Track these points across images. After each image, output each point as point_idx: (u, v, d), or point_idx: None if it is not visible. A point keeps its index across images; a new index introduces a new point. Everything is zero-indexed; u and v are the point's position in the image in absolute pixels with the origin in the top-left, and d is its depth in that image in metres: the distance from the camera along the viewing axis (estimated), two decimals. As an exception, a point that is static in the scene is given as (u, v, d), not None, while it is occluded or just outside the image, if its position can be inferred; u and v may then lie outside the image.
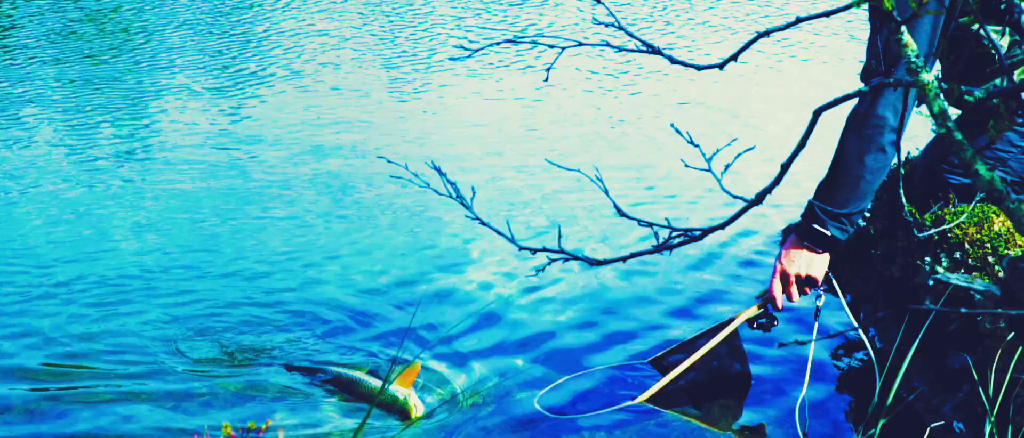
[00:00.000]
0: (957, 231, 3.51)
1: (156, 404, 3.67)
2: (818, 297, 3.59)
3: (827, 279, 3.55)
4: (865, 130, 3.36)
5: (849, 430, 3.41)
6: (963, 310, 1.77)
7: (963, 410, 3.28)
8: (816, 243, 3.45)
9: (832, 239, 3.44)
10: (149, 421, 3.57)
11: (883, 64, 3.24)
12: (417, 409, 3.58)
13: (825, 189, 3.44)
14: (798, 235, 3.48)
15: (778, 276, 3.51)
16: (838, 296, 3.62)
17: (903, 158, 4.15)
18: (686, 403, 3.62)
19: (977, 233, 3.49)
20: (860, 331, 3.62)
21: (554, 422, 3.52)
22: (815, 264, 3.48)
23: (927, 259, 3.57)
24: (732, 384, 3.69)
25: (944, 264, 3.52)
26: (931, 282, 3.47)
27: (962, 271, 3.47)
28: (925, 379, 3.56)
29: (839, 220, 3.42)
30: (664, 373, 3.69)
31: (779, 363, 3.86)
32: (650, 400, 3.59)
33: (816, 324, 3.58)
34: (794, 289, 3.51)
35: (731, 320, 3.66)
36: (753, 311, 3.63)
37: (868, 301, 4.17)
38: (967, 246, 3.48)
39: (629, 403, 3.58)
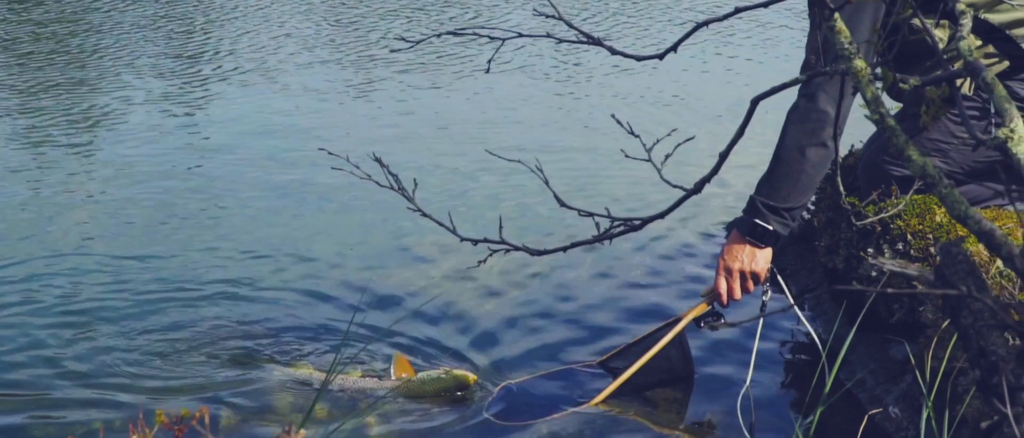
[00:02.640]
0: (900, 222, 3.54)
1: (96, 404, 3.64)
2: (764, 292, 3.60)
3: (772, 273, 3.57)
4: (806, 124, 3.39)
5: (795, 421, 3.41)
6: (889, 290, 1.78)
7: (906, 399, 3.30)
8: (758, 238, 3.47)
9: (774, 234, 3.46)
10: (84, 416, 3.55)
11: (822, 59, 3.26)
12: (469, 376, 3.60)
13: (766, 183, 3.46)
14: (740, 230, 3.50)
15: (722, 272, 3.52)
16: (783, 290, 3.63)
17: (849, 150, 4.18)
18: (635, 404, 3.60)
19: (919, 224, 3.51)
20: (805, 320, 3.63)
21: (503, 430, 3.49)
22: (758, 259, 3.49)
23: (870, 250, 3.59)
24: (680, 382, 3.68)
25: (887, 255, 3.54)
26: (874, 273, 3.49)
27: (916, 264, 3.49)
28: (868, 369, 3.58)
29: (781, 214, 3.44)
30: (612, 374, 3.68)
31: (726, 358, 3.86)
32: (600, 403, 3.57)
33: (761, 319, 3.58)
34: (738, 285, 3.52)
35: (679, 319, 3.65)
36: (700, 309, 3.63)
37: (810, 292, 4.21)
38: (909, 237, 3.51)
39: (579, 407, 3.56)
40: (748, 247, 3.48)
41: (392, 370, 3.69)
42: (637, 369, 3.60)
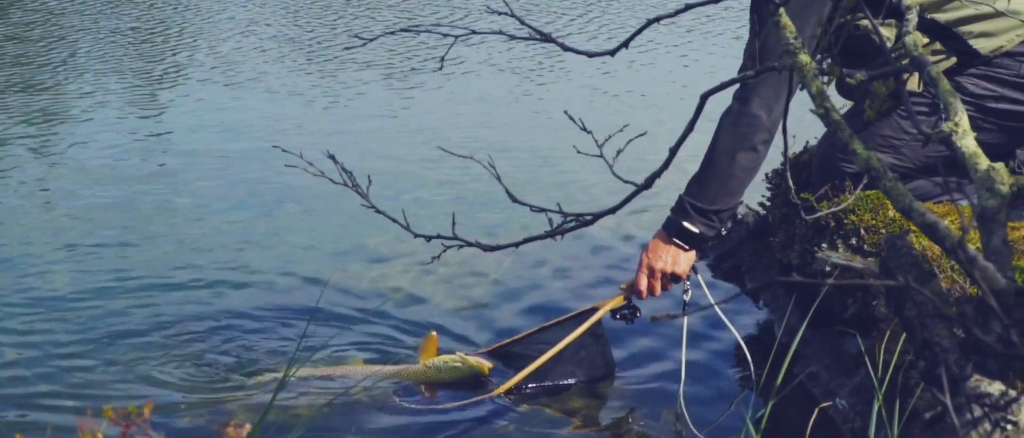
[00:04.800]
0: (853, 218, 3.56)
1: (49, 405, 3.62)
2: (685, 290, 3.63)
3: (693, 272, 3.60)
4: (738, 128, 3.43)
5: (733, 418, 3.42)
6: (830, 281, 1.80)
7: (860, 392, 3.32)
8: (684, 240, 3.50)
9: (700, 236, 3.50)
10: (38, 417, 3.53)
11: (758, 64, 3.29)
12: (484, 365, 3.60)
13: (696, 184, 3.50)
14: (667, 231, 3.53)
15: (644, 269, 3.55)
16: (703, 289, 3.65)
17: (803, 147, 4.20)
18: (549, 394, 3.61)
19: (872, 219, 3.53)
20: (722, 314, 3.64)
21: (407, 416, 3.49)
22: (681, 261, 3.53)
23: (824, 245, 3.62)
24: (598, 375, 3.69)
25: (840, 250, 3.57)
26: (828, 268, 3.51)
27: (862, 257, 3.52)
28: (823, 363, 3.61)
29: (708, 217, 3.48)
30: (512, 362, 3.67)
31: (649, 355, 3.88)
32: (507, 393, 3.57)
33: (685, 319, 3.60)
34: (658, 284, 3.55)
35: (594, 310, 3.66)
36: (617, 301, 3.65)
37: (767, 288, 4.23)
38: (863, 232, 3.53)
39: (485, 395, 3.56)
40: (673, 248, 3.52)
41: (421, 349, 3.68)
42: (548, 358, 3.60)
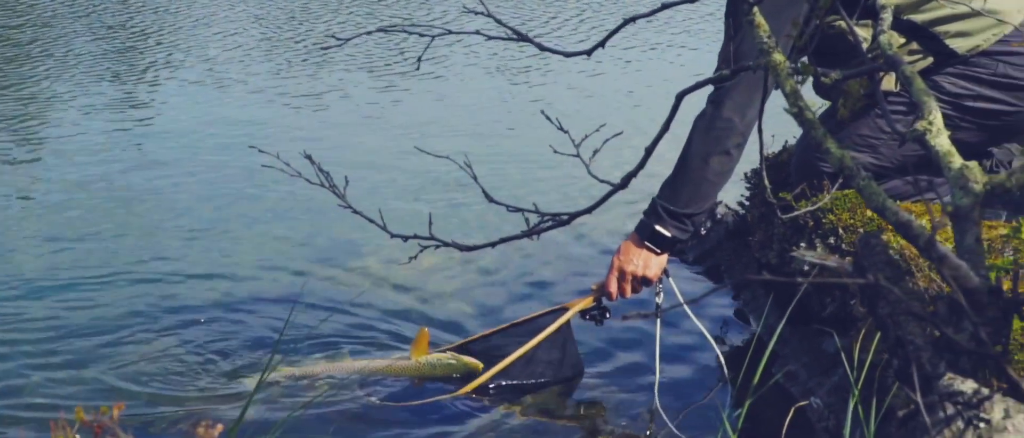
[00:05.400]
0: (831, 217, 3.57)
1: (23, 404, 3.61)
2: (657, 293, 3.63)
3: (665, 274, 3.60)
4: (711, 133, 3.43)
5: (710, 417, 3.41)
6: (800, 280, 1.80)
7: (838, 391, 3.33)
8: (656, 244, 3.51)
9: (672, 240, 3.50)
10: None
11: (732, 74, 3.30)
12: (477, 363, 3.59)
13: (668, 188, 3.50)
14: (640, 234, 3.53)
15: (615, 272, 3.55)
16: (675, 292, 3.65)
17: (782, 146, 4.21)
18: (519, 394, 3.61)
19: (850, 218, 3.54)
20: (694, 317, 3.65)
21: (377, 414, 3.48)
22: (652, 265, 3.53)
23: (802, 245, 3.62)
24: (566, 375, 3.68)
25: (818, 249, 3.57)
26: (806, 267, 3.52)
27: (836, 256, 3.52)
28: (801, 362, 3.61)
29: (680, 220, 3.48)
30: (479, 359, 3.66)
31: (627, 356, 3.88)
32: (474, 392, 3.57)
33: (658, 321, 3.60)
34: (628, 287, 3.55)
35: (564, 309, 3.66)
36: (587, 302, 3.65)
37: (747, 287, 4.24)
38: (841, 231, 3.54)
39: (453, 394, 3.55)
40: (644, 252, 3.52)
41: (413, 344, 3.67)
42: (518, 357, 3.60)
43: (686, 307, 3.59)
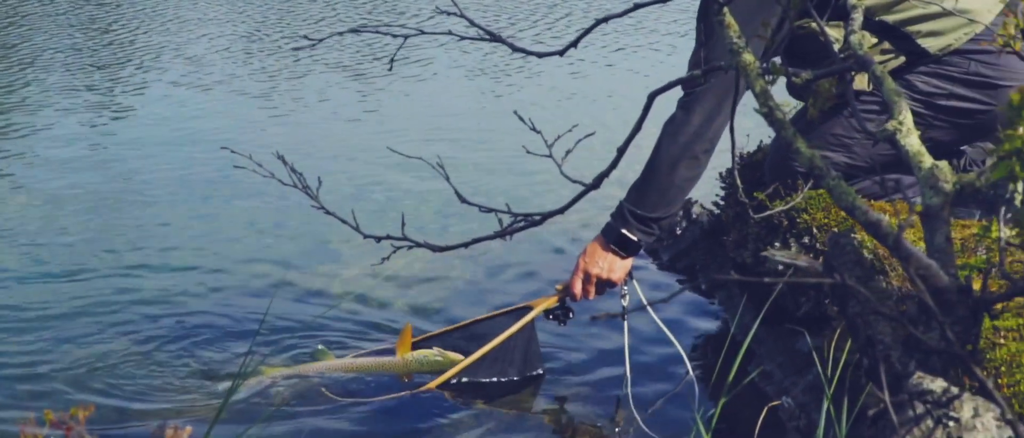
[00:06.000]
0: (805, 217, 3.58)
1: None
2: (622, 295, 3.65)
3: (630, 276, 3.62)
4: (679, 137, 3.45)
5: (685, 417, 3.42)
6: (767, 280, 1.81)
7: (812, 391, 3.34)
8: (622, 246, 3.52)
9: (638, 244, 3.52)
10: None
11: (702, 76, 3.31)
12: (463, 359, 3.60)
13: (636, 191, 3.52)
14: (605, 236, 3.54)
15: (580, 273, 3.57)
16: (639, 295, 3.66)
17: (757, 146, 4.22)
18: (484, 392, 3.62)
19: (825, 218, 3.55)
20: (659, 322, 3.65)
21: (340, 408, 3.48)
22: (617, 268, 3.55)
23: (776, 244, 3.63)
24: (528, 373, 3.69)
25: (793, 249, 3.58)
26: (780, 267, 3.53)
27: (810, 255, 3.53)
28: (776, 362, 3.62)
29: (647, 224, 3.50)
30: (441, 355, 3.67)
31: (599, 357, 3.87)
32: (441, 387, 3.58)
33: (626, 324, 3.61)
34: (593, 289, 3.57)
35: (528, 308, 3.68)
36: (551, 301, 3.67)
37: (722, 287, 4.25)
38: (815, 230, 3.55)
39: (417, 390, 3.56)
40: (610, 255, 3.54)
41: (398, 342, 3.68)
42: (484, 354, 3.61)
43: (651, 310, 3.60)
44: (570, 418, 3.51)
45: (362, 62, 9.08)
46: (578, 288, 3.57)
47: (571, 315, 3.67)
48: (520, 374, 3.66)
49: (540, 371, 3.70)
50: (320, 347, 3.77)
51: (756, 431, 2.81)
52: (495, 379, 3.64)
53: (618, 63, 8.95)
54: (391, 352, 3.69)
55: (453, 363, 3.61)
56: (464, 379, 3.61)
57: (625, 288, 3.63)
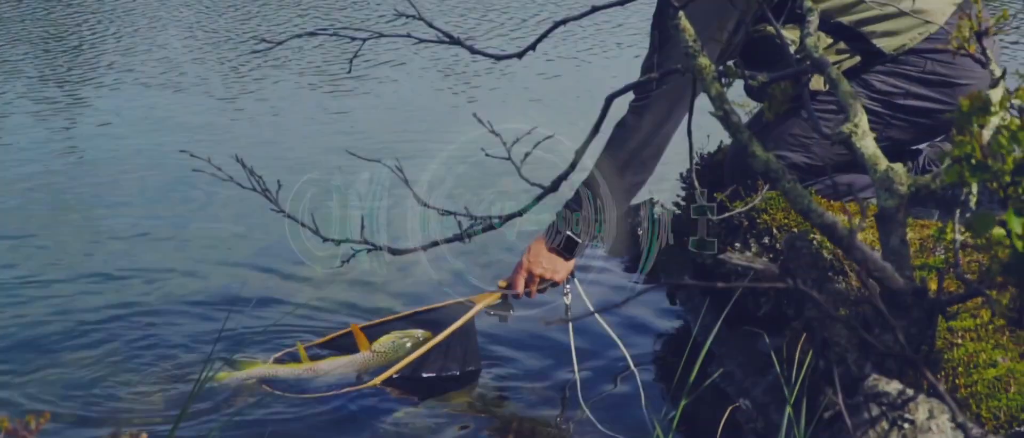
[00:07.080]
0: (765, 217, 3.59)
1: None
2: (565, 294, 3.67)
3: (572, 276, 3.65)
4: (628, 143, 3.48)
5: (645, 419, 3.42)
6: (721, 285, 1.81)
7: (773, 392, 3.35)
8: (565, 249, 3.55)
9: (581, 245, 3.55)
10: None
11: (655, 81, 3.33)
12: (429, 334, 3.63)
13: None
14: (549, 237, 3.57)
15: (523, 271, 3.59)
16: (582, 296, 3.67)
17: (717, 146, 4.23)
18: (424, 388, 3.62)
19: (784, 218, 3.56)
20: (604, 324, 3.67)
21: (296, 407, 3.48)
22: (559, 268, 3.57)
23: (737, 245, 3.63)
24: (468, 369, 3.70)
25: (753, 249, 3.59)
26: (741, 268, 3.53)
27: (769, 256, 3.54)
28: (738, 362, 3.63)
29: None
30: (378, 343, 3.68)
31: (536, 356, 3.89)
32: (383, 384, 3.58)
33: (570, 326, 3.62)
34: (535, 287, 3.60)
35: (470, 303, 3.70)
36: (494, 298, 3.69)
37: (682, 287, 4.25)
38: (775, 231, 3.56)
39: (362, 386, 3.57)
40: (553, 255, 3.57)
41: (357, 341, 3.68)
42: (426, 350, 3.62)
43: (597, 315, 3.63)
44: (521, 420, 3.51)
45: (332, 63, 9.07)
46: (520, 286, 3.60)
47: (512, 312, 3.69)
48: (461, 370, 3.68)
49: (479, 368, 3.72)
50: (298, 345, 3.75)
51: (718, 433, 2.81)
52: (436, 374, 3.64)
53: (588, 64, 8.96)
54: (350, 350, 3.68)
55: (418, 341, 3.62)
56: (404, 373, 3.60)
57: (568, 287, 3.65)
